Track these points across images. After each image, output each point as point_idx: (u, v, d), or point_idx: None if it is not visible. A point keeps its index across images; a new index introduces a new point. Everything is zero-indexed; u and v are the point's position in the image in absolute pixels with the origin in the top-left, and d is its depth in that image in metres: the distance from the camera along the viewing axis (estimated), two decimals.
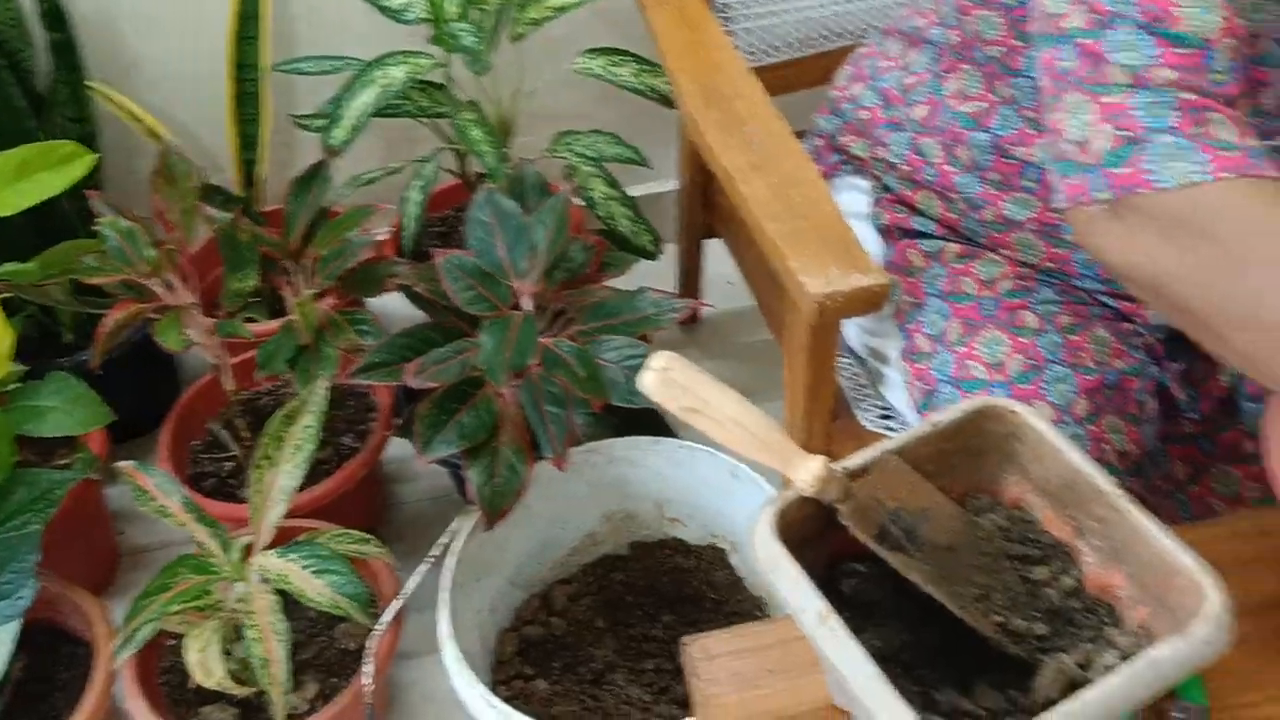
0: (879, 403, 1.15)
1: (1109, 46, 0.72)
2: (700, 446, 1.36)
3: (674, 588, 1.42)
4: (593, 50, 1.66)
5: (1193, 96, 0.71)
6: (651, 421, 1.42)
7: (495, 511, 1.25)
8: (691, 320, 2.05)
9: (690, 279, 1.91)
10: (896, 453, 0.76)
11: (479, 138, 1.49)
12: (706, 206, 1.72)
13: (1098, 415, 0.94)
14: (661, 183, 2.05)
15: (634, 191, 2.05)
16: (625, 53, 1.65)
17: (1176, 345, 1.03)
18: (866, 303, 0.91)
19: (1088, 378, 0.95)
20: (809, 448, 1.13)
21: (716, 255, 1.83)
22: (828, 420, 1.10)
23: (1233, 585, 0.86)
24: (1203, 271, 0.69)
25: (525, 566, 1.40)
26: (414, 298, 1.42)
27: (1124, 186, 0.71)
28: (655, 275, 1.86)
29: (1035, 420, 0.76)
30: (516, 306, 1.32)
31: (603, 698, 1.34)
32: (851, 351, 1.20)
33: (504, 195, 1.37)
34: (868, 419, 1.15)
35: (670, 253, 1.89)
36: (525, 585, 1.42)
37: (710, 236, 1.81)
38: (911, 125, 1.07)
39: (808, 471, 0.72)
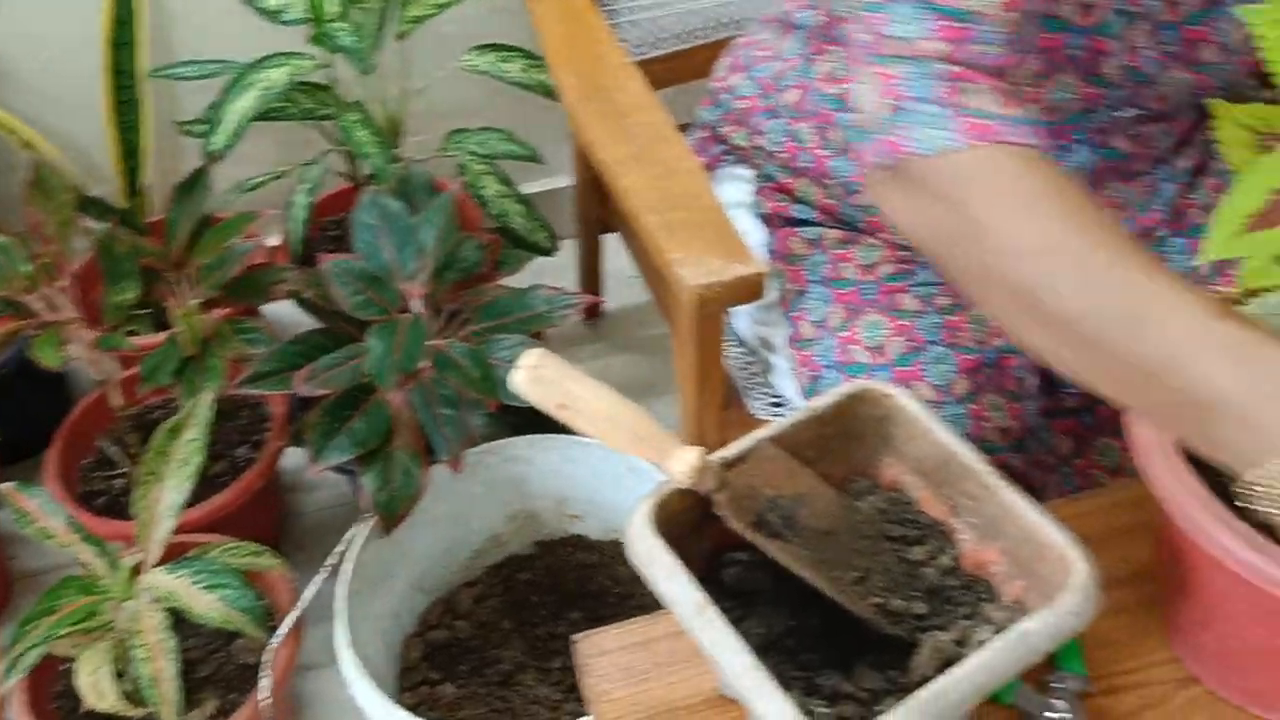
0: (770, 391, 1.15)
1: (891, 19, 0.75)
2: (595, 442, 1.35)
3: (579, 584, 1.42)
4: (481, 46, 1.64)
5: (959, 68, 0.73)
6: (550, 419, 1.41)
7: (391, 517, 1.24)
8: (594, 315, 2.05)
9: (590, 274, 1.91)
10: (774, 440, 0.76)
11: (364, 139, 1.47)
12: (601, 201, 1.72)
13: (978, 394, 0.96)
14: (558, 178, 2.04)
15: (530, 188, 2.05)
16: (514, 48, 1.64)
17: None
18: (745, 292, 0.92)
19: (967, 357, 0.96)
20: (702, 438, 1.14)
21: (619, 250, 1.83)
22: (719, 410, 1.10)
23: (1112, 555, 0.88)
24: (953, 236, 0.73)
25: (429, 571, 1.39)
26: (304, 304, 1.40)
27: (892, 152, 0.75)
28: (557, 271, 1.86)
29: (908, 402, 0.77)
30: (407, 309, 1.31)
31: (511, 699, 1.33)
32: (742, 341, 1.20)
33: (391, 196, 1.35)
34: (759, 407, 1.16)
35: (570, 249, 1.89)
36: (429, 590, 1.40)
37: (607, 231, 1.81)
38: (786, 111, 1.07)
39: (682, 463, 0.72)
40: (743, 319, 1.17)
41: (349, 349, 1.28)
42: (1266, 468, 0.60)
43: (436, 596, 1.41)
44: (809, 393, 1.02)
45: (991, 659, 0.64)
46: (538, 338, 1.43)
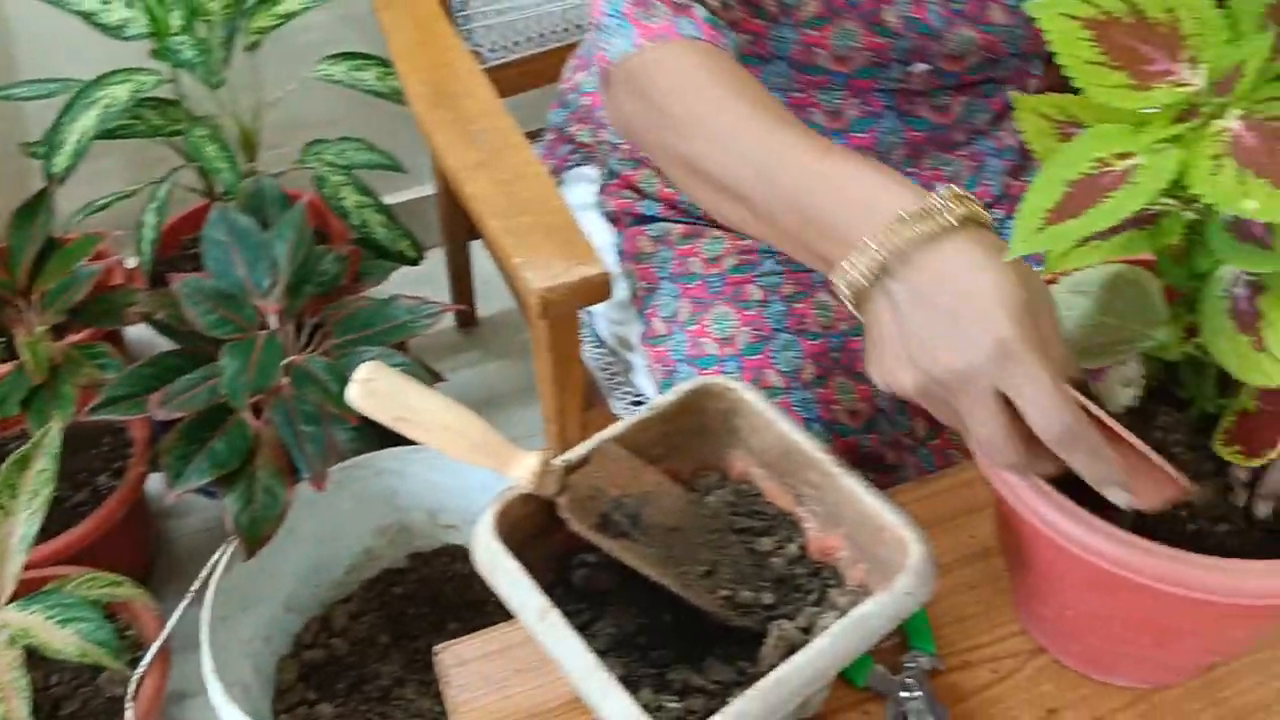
0: (631, 390, 1.16)
1: None
2: None
3: (456, 595, 1.40)
4: (334, 55, 1.62)
5: None
6: None
7: (255, 539, 1.21)
8: (469, 322, 2.04)
9: (461, 282, 1.89)
10: (618, 440, 0.76)
11: (213, 154, 1.43)
12: (465, 208, 1.71)
13: (826, 378, 0.97)
14: (425, 186, 2.02)
15: (396, 197, 2.02)
16: (369, 57, 1.61)
17: None
18: (591, 293, 0.92)
19: (813, 342, 0.98)
20: (564, 440, 1.14)
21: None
22: (581, 411, 1.10)
23: (962, 533, 0.90)
24: (646, 125, 0.83)
25: (300, 590, 1.37)
26: (158, 326, 1.36)
27: (600, 64, 0.87)
28: (429, 280, 1.85)
29: (751, 395, 0.78)
30: (265, 325, 1.28)
31: (392, 713, 1.32)
32: (602, 341, 1.20)
33: (241, 212, 1.33)
34: (621, 407, 1.16)
35: (442, 257, 1.87)
36: (302, 609, 1.38)
37: (475, 238, 1.80)
38: None
39: (523, 468, 0.71)
40: (601, 319, 1.18)
41: (205, 369, 1.25)
42: (849, 264, 0.67)
43: (311, 615, 1.39)
44: (664, 388, 1.03)
45: (830, 645, 0.64)
46: (402, 348, 1.42)
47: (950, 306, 0.62)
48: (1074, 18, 0.56)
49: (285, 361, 1.26)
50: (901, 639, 0.83)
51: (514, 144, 1.06)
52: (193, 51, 1.39)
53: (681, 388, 0.78)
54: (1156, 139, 0.54)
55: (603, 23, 0.86)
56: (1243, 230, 0.56)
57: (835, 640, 0.65)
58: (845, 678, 0.80)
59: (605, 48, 0.85)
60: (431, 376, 1.37)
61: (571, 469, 0.74)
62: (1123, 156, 0.55)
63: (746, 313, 0.99)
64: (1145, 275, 0.63)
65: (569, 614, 0.75)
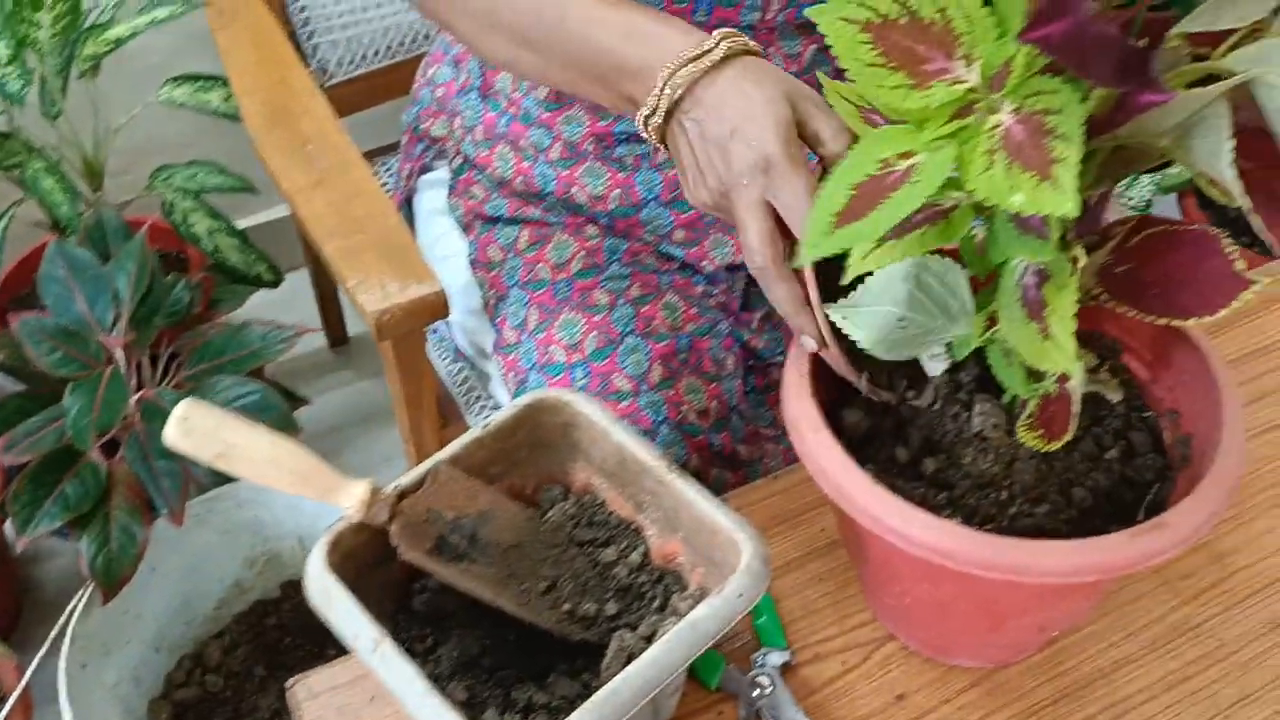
0: (489, 402, 1.15)
1: None
2: None
3: None
4: (177, 78, 1.58)
5: None
6: None
7: (113, 581, 1.18)
8: (341, 342, 2.00)
9: (328, 301, 1.86)
10: (452, 461, 0.76)
11: (51, 187, 1.39)
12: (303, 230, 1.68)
13: (674, 379, 0.98)
14: (285, 206, 1.98)
15: (256, 219, 1.98)
16: (213, 78, 1.58)
17: (754, 295, 1.07)
18: (426, 312, 0.91)
19: (660, 344, 0.98)
20: (423, 456, 1.13)
21: None
22: (436, 427, 1.09)
23: (811, 527, 0.91)
24: None
25: (168, 629, 1.33)
26: (2, 368, 1.32)
27: None
28: (296, 302, 1.81)
29: (586, 406, 0.78)
30: (111, 361, 1.25)
31: None
32: (460, 353, 1.19)
33: (83, 244, 1.29)
34: (481, 420, 1.15)
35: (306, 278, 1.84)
36: (172, 648, 1.34)
37: None
38: (476, 77, 1.07)
39: (350, 497, 0.70)
40: (458, 330, 1.17)
41: (50, 411, 1.22)
42: (646, 108, 0.77)
43: (183, 653, 1.35)
44: (517, 397, 1.02)
45: (661, 653, 0.65)
46: (259, 374, 1.39)
47: (729, 130, 0.73)
48: (851, 21, 0.57)
49: (137, 396, 1.23)
50: (753, 637, 0.83)
51: (350, 161, 1.05)
52: (20, 83, 1.35)
53: (516, 403, 0.78)
54: (935, 137, 0.55)
55: None
56: (1024, 222, 0.57)
57: (666, 649, 0.65)
58: (698, 680, 0.81)
59: None
60: (290, 402, 1.35)
61: (404, 494, 0.73)
62: (905, 156, 0.56)
63: (593, 317, 0.99)
64: (950, 266, 0.64)
65: (413, 639, 0.75)
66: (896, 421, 0.74)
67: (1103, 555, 0.61)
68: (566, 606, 0.74)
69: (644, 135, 0.79)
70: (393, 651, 0.66)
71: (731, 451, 1.01)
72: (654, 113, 0.77)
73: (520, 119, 1.03)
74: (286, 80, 1.21)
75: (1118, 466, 0.71)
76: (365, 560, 0.73)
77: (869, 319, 0.64)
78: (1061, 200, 0.49)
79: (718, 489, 0.99)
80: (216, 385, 1.24)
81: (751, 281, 1.06)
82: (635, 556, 0.77)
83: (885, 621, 0.83)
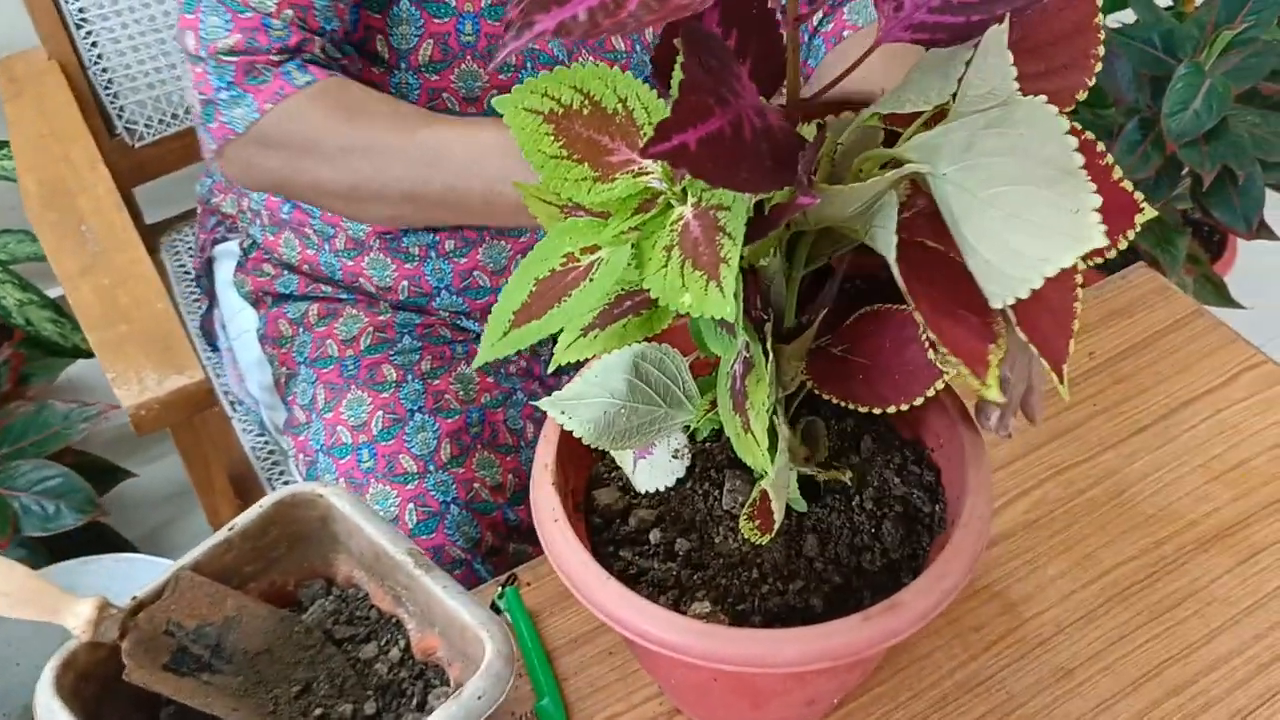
0: (292, 480, 1.12)
1: (200, 22, 0.88)
2: (141, 557, 1.27)
3: None
4: None
5: (245, 58, 0.87)
6: (89, 537, 1.32)
7: None
8: None
9: None
10: (194, 567, 0.73)
11: None
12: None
13: (465, 455, 0.95)
14: None
15: None
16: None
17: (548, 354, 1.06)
18: (187, 404, 0.88)
19: (449, 420, 0.96)
20: None
21: None
22: (234, 508, 1.06)
23: None
24: (296, 174, 0.89)
25: None
26: None
27: (223, 137, 0.89)
28: None
29: (338, 499, 0.76)
30: None
31: None
32: (265, 428, 1.16)
33: None
34: None
35: None
36: None
37: None
38: None
39: (76, 617, 0.67)
40: (262, 407, 1.13)
41: None
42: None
43: None
44: (309, 478, 0.99)
45: None
46: (66, 455, 1.33)
47: None
48: (533, 112, 0.55)
49: None
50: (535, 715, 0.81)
51: (123, 242, 1.01)
52: None
53: (264, 502, 0.75)
54: (618, 231, 0.54)
55: (215, 98, 0.88)
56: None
57: None
58: None
59: (226, 120, 0.88)
60: (108, 479, 1.30)
61: (139, 607, 0.70)
62: (589, 250, 0.54)
63: (381, 395, 0.97)
64: (670, 353, 0.63)
65: None
66: (653, 500, 0.73)
67: (833, 642, 0.60)
68: (319, 711, 0.71)
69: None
70: None
71: (530, 526, 0.99)
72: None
73: (303, 208, 1.01)
74: (70, 156, 1.16)
75: (869, 539, 0.70)
76: (108, 675, 0.69)
77: (589, 411, 0.63)
78: (721, 304, 0.48)
79: (516, 562, 0.97)
80: (16, 471, 1.19)
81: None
82: (395, 652, 0.75)
83: (669, 693, 0.81)
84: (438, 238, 0.99)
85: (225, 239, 1.15)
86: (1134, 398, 1.01)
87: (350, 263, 1.00)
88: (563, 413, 0.63)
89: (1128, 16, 1.57)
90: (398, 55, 0.92)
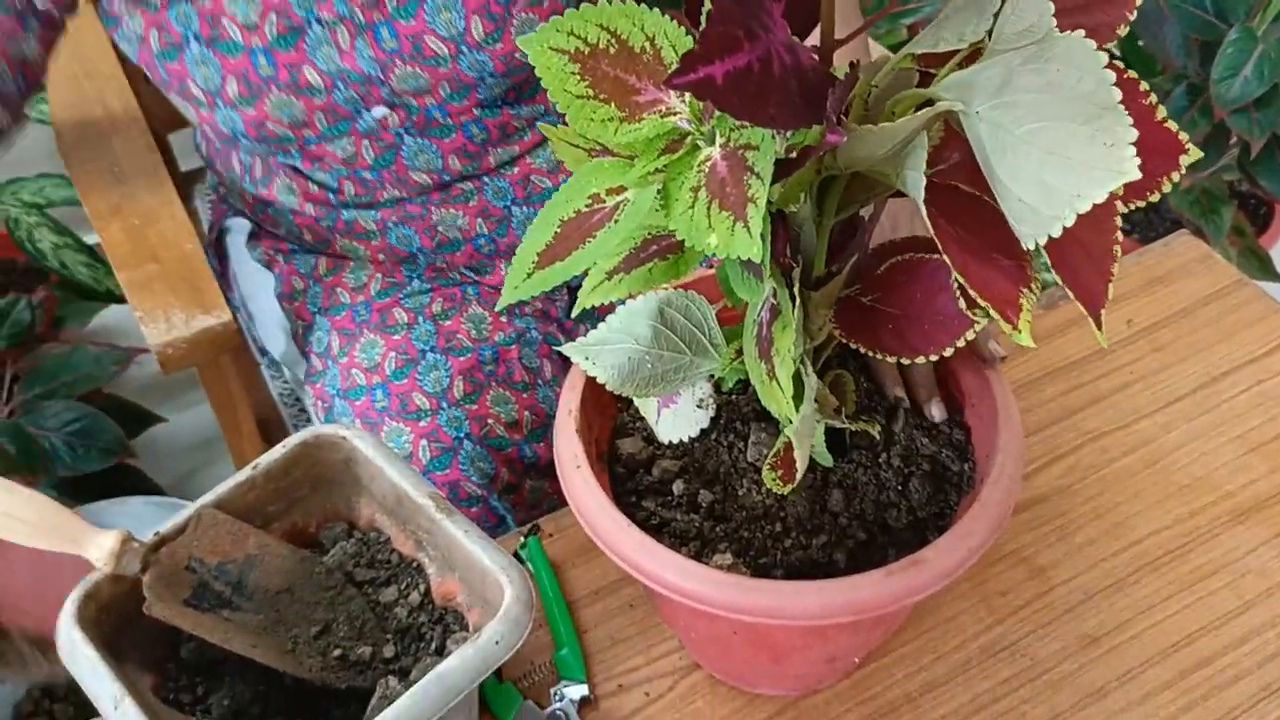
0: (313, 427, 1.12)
1: None
2: (170, 500, 1.29)
3: None
4: None
5: None
6: (118, 478, 1.33)
7: None
8: None
9: None
10: (218, 505, 0.73)
11: None
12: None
13: (479, 392, 0.95)
14: None
15: None
16: None
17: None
18: (214, 343, 0.88)
19: (462, 359, 0.96)
20: None
21: None
22: (259, 452, 1.06)
23: None
24: None
25: None
26: None
27: None
28: None
29: (362, 441, 0.75)
30: None
31: None
32: (289, 384, 1.16)
33: None
34: None
35: None
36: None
37: None
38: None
39: (99, 549, 0.67)
40: (284, 368, 1.14)
41: None
42: None
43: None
44: (327, 422, 0.99)
45: (411, 703, 0.62)
46: (96, 396, 1.34)
47: None
48: (559, 51, 0.54)
49: None
50: (554, 670, 0.81)
51: (155, 183, 1.01)
52: None
53: (288, 442, 0.75)
54: (645, 172, 0.53)
55: None
56: (743, 260, 0.55)
57: (416, 699, 0.62)
58: (493, 715, 0.79)
59: None
60: (138, 424, 1.31)
61: (163, 541, 0.70)
62: (615, 191, 0.53)
63: (393, 337, 0.96)
64: (696, 300, 0.62)
65: (180, 689, 0.72)
66: (677, 451, 0.72)
67: (856, 595, 0.60)
68: (338, 651, 0.71)
69: None
70: (133, 710, 0.63)
71: (549, 460, 0.99)
72: None
73: (267, 211, 1.02)
74: (104, 97, 1.16)
75: (896, 496, 0.69)
76: (129, 610, 0.70)
77: (613, 357, 0.62)
78: (748, 245, 0.47)
79: (534, 500, 0.97)
80: (47, 411, 1.20)
81: (574, 290, 1.04)
82: (415, 596, 0.75)
83: (690, 649, 0.81)
84: (379, 214, 0.98)
85: (238, 214, 1.15)
86: (1172, 366, 0.99)
87: (332, 244, 1.01)
88: (587, 358, 0.62)
89: None
90: (211, 96, 0.90)
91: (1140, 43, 1.53)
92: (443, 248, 1.00)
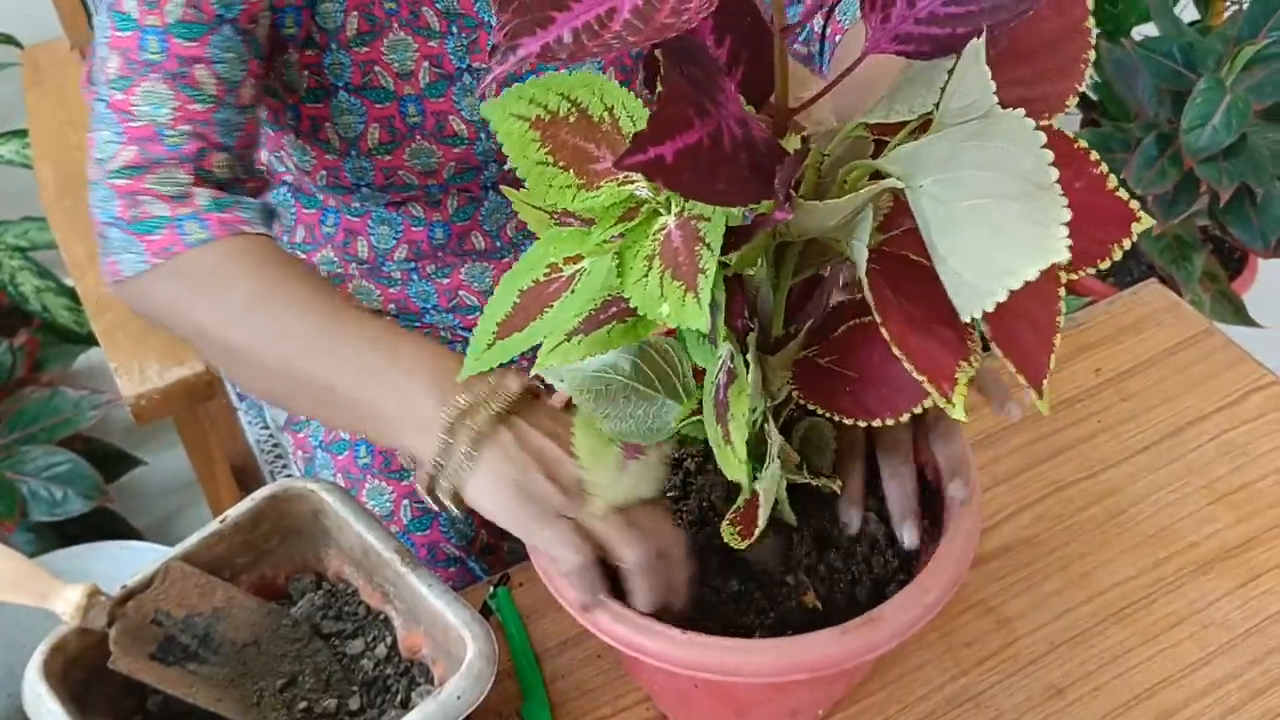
0: (294, 474, 1.13)
1: (94, 138, 0.79)
2: (147, 545, 1.29)
3: None
4: (3, 134, 1.55)
5: (132, 180, 0.78)
6: (103, 523, 1.34)
7: None
8: None
9: None
10: (185, 558, 0.73)
11: None
12: None
13: None
14: None
15: None
16: (17, 132, 1.54)
17: None
18: (187, 395, 0.89)
19: None
20: None
21: None
22: (235, 500, 1.06)
23: None
24: (191, 309, 0.78)
25: None
26: None
27: (114, 275, 0.79)
28: None
29: (329, 494, 0.76)
30: None
31: None
32: (268, 425, 1.17)
33: None
34: None
35: None
36: None
37: None
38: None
39: (66, 602, 0.68)
40: (265, 405, 1.14)
41: None
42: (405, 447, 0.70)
43: None
44: (307, 473, 1.00)
45: None
46: (75, 441, 1.34)
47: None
48: (520, 118, 0.55)
49: None
50: (518, 715, 0.81)
51: None
52: None
53: (256, 495, 0.76)
54: (602, 240, 0.54)
55: (103, 232, 0.79)
56: None
57: None
58: None
59: (116, 261, 0.79)
60: (116, 467, 1.32)
61: (129, 595, 0.71)
62: (572, 261, 0.54)
63: None
64: (675, 345, 0.63)
65: None
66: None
67: (811, 654, 0.60)
68: (304, 704, 0.72)
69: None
70: None
71: None
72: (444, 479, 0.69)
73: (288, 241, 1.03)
74: (86, 144, 1.17)
75: (865, 549, 0.70)
76: (97, 662, 0.70)
77: (591, 382, 0.62)
78: (698, 315, 0.48)
79: (511, 561, 0.97)
80: (27, 455, 1.21)
81: None
82: (382, 649, 0.75)
83: (655, 701, 0.81)
84: (416, 264, 0.99)
85: None
86: (1139, 415, 1.00)
87: (342, 288, 1.01)
88: (561, 380, 0.62)
89: (1150, 30, 1.56)
90: (347, 143, 0.90)
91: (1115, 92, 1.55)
92: (456, 310, 1.00)
